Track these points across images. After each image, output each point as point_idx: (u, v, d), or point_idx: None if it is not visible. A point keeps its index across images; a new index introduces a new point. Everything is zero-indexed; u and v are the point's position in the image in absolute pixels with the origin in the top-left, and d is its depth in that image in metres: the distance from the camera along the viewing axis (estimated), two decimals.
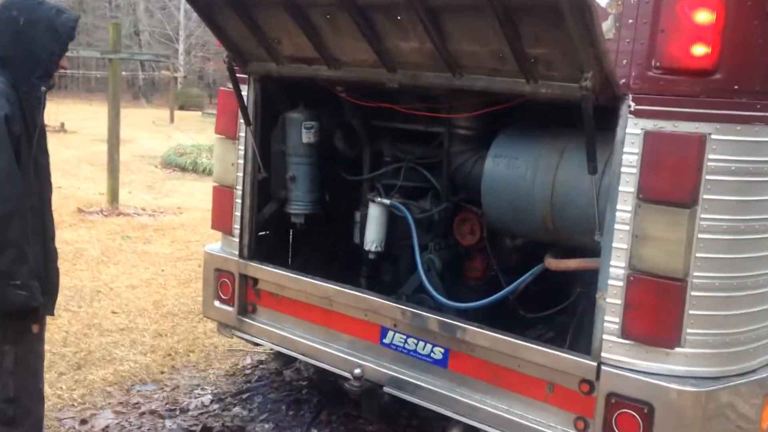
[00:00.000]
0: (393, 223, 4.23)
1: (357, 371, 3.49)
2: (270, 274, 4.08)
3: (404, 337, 3.58)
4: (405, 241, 4.31)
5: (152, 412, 4.26)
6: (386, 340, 3.65)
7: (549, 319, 3.86)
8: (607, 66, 2.69)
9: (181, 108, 28.74)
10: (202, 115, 28.85)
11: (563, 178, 3.15)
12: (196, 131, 20.39)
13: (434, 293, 3.70)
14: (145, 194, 11.53)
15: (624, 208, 2.85)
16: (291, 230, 4.50)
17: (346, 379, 3.68)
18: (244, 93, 3.96)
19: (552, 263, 3.29)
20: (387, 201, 4.09)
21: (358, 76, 3.48)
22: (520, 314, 3.97)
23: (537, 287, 3.95)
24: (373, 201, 4.14)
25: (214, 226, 4.35)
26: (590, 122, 2.76)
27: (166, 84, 33.64)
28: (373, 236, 4.18)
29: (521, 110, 3.38)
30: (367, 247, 4.20)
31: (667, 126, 2.76)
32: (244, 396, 4.53)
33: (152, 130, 20.37)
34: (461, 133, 3.64)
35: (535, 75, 2.91)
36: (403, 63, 3.29)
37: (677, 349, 2.83)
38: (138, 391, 4.53)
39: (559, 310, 3.76)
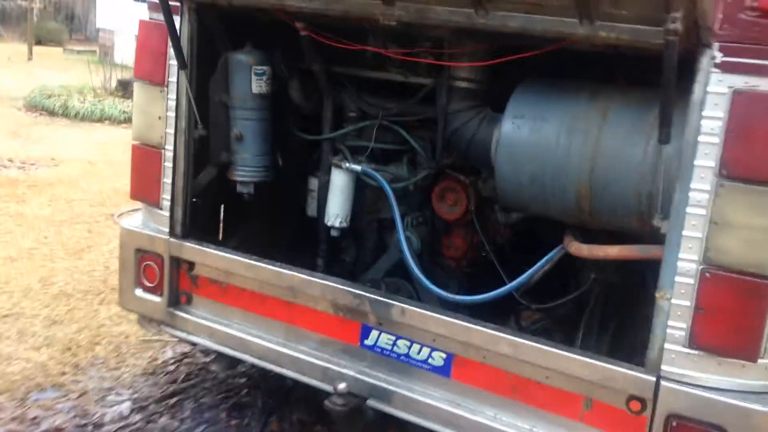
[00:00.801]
0: (358, 193, 3.51)
1: (341, 386, 2.79)
2: (212, 258, 3.27)
3: (392, 338, 2.91)
4: (372, 215, 3.62)
5: (58, 430, 3.39)
6: (368, 341, 2.96)
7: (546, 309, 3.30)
8: (706, 3, 2.08)
9: (39, 43, 26.11)
10: (65, 51, 26.41)
11: (608, 146, 2.53)
12: (61, 69, 18.51)
13: (425, 281, 3.04)
14: (11, 141, 10.07)
15: (700, 186, 2.27)
16: (225, 202, 3.68)
17: (315, 390, 2.99)
18: (177, 26, 3.07)
19: (581, 249, 2.69)
20: (357, 167, 3.35)
21: (342, 9, 2.69)
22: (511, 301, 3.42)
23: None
24: (339, 166, 3.39)
25: (134, 196, 3.46)
26: (671, 76, 2.14)
27: (17, 16, 30.50)
28: (336, 209, 3.44)
29: (532, 58, 2.72)
30: (329, 222, 3.46)
31: (763, 84, 2.19)
32: (172, 401, 3.73)
33: (9, 68, 18.21)
34: (462, 86, 2.93)
35: (595, 13, 2.24)
36: None
37: (759, 361, 2.31)
38: (36, 400, 3.62)
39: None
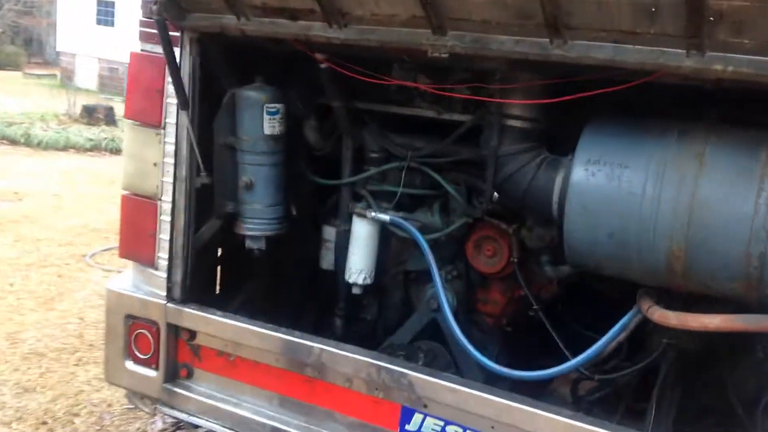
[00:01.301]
0: (381, 243, 3.08)
1: None
2: (218, 326, 2.80)
3: (440, 423, 2.46)
4: (397, 268, 3.19)
5: None
6: (410, 427, 2.51)
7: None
8: None
9: None
10: (24, 75, 25.71)
11: (709, 197, 2.12)
12: (21, 94, 17.84)
13: (473, 350, 2.61)
14: None
15: None
16: (228, 258, 3.23)
17: None
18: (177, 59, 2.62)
19: (667, 317, 2.27)
20: (385, 216, 2.91)
21: (380, 39, 2.27)
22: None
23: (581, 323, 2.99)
24: (362, 215, 2.95)
25: (124, 254, 2.98)
26: None
27: None
28: (359, 263, 3.00)
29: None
30: (350, 278, 3.01)
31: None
32: None
33: None
34: (516, 125, 2.51)
35: (707, 42, 1.86)
36: (460, 21, 2.13)
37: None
38: None
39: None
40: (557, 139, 2.59)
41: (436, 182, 2.97)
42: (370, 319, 3.23)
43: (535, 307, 2.89)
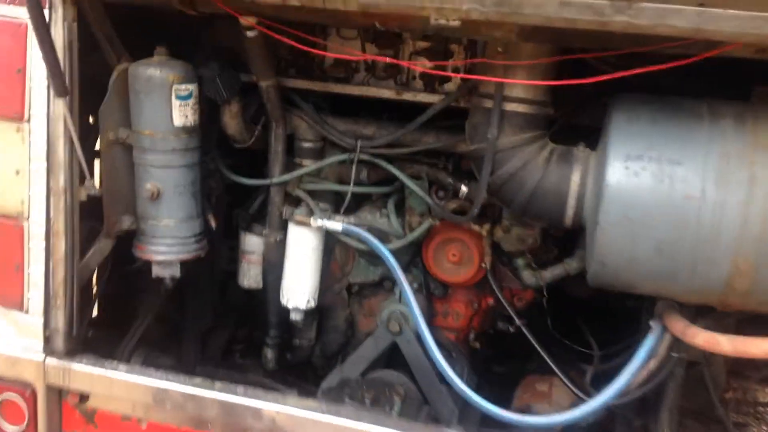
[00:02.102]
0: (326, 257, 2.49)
1: None
2: (121, 385, 2.09)
3: None
4: (340, 283, 2.60)
5: None
6: None
7: None
8: None
9: None
10: None
11: None
12: None
13: (469, 392, 2.09)
14: None
15: None
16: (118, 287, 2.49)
17: None
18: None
19: (716, 342, 1.85)
20: (337, 225, 2.29)
21: (362, 2, 1.64)
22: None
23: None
24: (303, 223, 2.32)
25: None
26: None
27: None
28: (302, 284, 2.38)
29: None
30: (288, 302, 2.40)
31: None
32: None
33: None
34: (519, 110, 1.95)
35: None
36: None
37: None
38: None
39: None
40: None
41: (387, 178, 2.41)
42: (307, 345, 2.62)
43: (518, 322, 2.41)
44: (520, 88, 1.93)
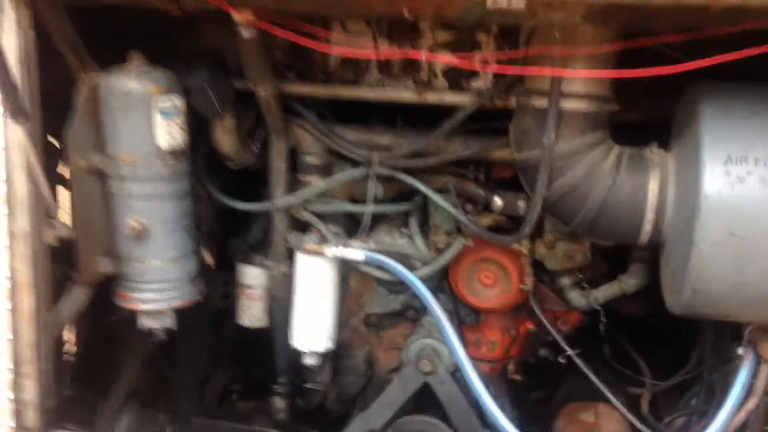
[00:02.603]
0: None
1: None
2: None
3: None
4: (357, 315, 2.26)
5: None
6: None
7: None
8: None
9: None
10: None
11: None
12: None
13: None
14: None
15: None
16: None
17: None
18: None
19: None
20: (358, 252, 1.94)
21: None
22: None
23: None
24: (315, 252, 1.97)
25: None
26: None
27: None
28: (318, 324, 2.03)
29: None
30: (305, 346, 2.05)
31: None
32: None
33: None
34: (581, 108, 1.61)
35: None
36: None
37: None
38: None
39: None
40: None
41: (405, 193, 2.07)
42: (321, 388, 2.27)
43: (569, 351, 2.08)
44: (580, 82, 1.60)
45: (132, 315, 1.81)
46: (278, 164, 1.99)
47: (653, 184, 1.60)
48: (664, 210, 1.59)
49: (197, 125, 1.87)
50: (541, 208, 1.70)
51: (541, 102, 1.64)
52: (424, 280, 2.00)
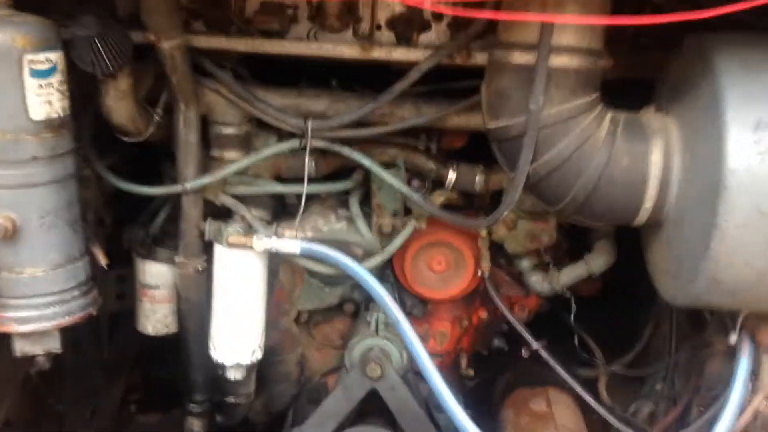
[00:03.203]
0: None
1: None
2: None
3: None
4: (288, 314, 1.93)
5: None
6: None
7: None
8: None
9: None
10: None
11: None
12: None
13: None
14: None
15: None
16: None
17: None
18: None
19: None
20: (293, 244, 1.59)
21: None
22: None
23: None
24: (241, 245, 1.60)
25: None
26: None
27: None
28: (246, 330, 1.67)
29: None
30: (227, 359, 1.70)
31: None
32: None
33: None
34: (571, 65, 1.29)
35: None
36: None
37: None
38: None
39: None
40: None
41: (342, 169, 1.74)
42: (245, 401, 1.91)
43: (534, 344, 1.83)
44: (572, 33, 1.31)
45: (4, 338, 1.39)
46: (187, 136, 1.60)
47: (656, 155, 1.34)
48: (668, 185, 1.34)
49: (82, 89, 1.45)
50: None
51: (523, 58, 1.33)
52: (372, 271, 1.68)
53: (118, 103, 1.48)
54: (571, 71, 1.32)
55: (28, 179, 1.30)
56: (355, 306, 1.92)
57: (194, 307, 1.72)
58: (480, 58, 1.51)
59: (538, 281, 1.86)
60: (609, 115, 1.39)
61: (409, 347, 1.57)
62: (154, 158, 1.78)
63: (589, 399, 1.79)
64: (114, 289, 1.96)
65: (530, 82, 1.30)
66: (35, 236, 1.33)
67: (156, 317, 1.83)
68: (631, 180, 1.35)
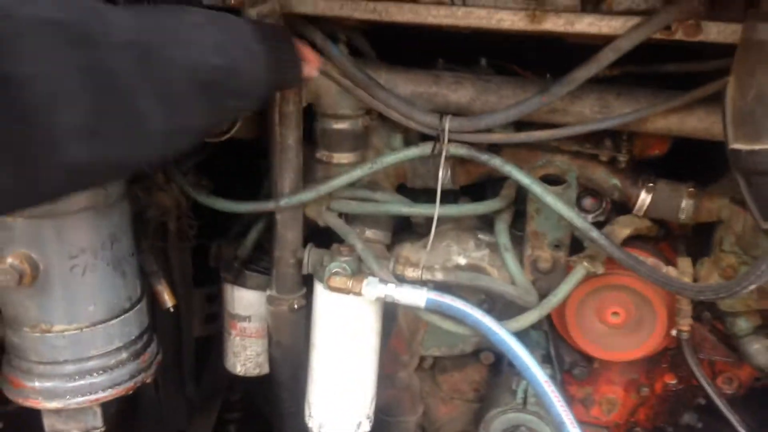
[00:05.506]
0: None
1: None
2: None
3: None
4: (410, 361, 1.49)
5: None
6: None
7: None
8: None
9: None
10: None
11: None
12: None
13: None
14: None
15: None
16: None
17: None
18: None
19: None
20: (420, 294, 1.14)
21: None
22: None
23: None
24: (346, 290, 1.17)
25: None
26: None
27: None
28: (352, 395, 1.25)
29: None
30: (325, 428, 1.27)
31: None
32: None
33: None
34: None
35: None
36: None
37: None
38: None
39: None
40: None
41: (481, 182, 1.28)
42: None
43: (741, 430, 1.30)
44: None
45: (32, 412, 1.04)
46: (284, 138, 1.17)
47: None
48: None
49: None
50: None
51: None
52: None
53: None
54: None
55: (52, 206, 0.92)
56: (495, 356, 1.46)
57: (288, 353, 1.32)
58: (717, 33, 0.99)
59: (760, 351, 1.32)
60: None
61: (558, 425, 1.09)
62: (246, 159, 1.38)
63: None
64: (202, 310, 1.60)
65: None
66: (64, 282, 0.96)
67: (246, 354, 1.45)
68: None
